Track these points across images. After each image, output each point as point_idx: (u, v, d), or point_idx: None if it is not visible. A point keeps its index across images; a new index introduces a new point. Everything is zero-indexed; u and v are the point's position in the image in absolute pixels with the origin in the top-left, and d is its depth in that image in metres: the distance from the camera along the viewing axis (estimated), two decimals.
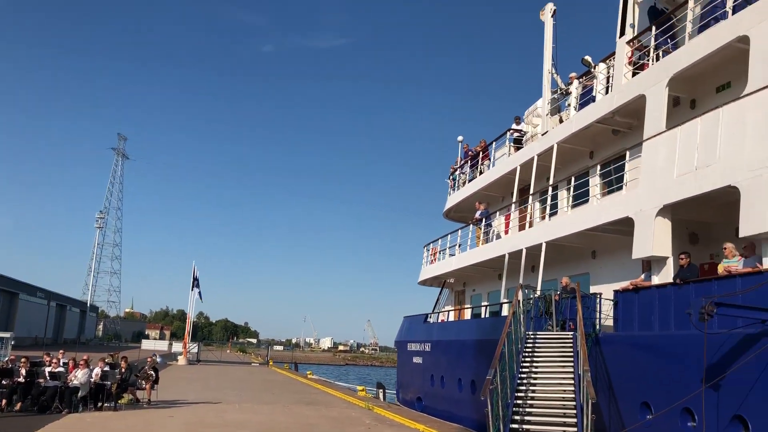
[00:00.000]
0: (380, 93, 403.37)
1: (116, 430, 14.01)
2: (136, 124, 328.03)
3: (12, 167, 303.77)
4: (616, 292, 14.26)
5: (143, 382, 19.44)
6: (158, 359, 20.89)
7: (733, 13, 13.09)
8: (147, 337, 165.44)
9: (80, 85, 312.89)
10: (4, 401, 16.65)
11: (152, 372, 19.71)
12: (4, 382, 16.78)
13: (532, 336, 14.52)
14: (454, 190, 28.66)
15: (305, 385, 33.86)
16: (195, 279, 56.10)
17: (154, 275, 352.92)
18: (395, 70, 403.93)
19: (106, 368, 18.13)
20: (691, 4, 14.70)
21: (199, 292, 56.29)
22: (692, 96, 15.48)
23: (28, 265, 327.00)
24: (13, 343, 54.30)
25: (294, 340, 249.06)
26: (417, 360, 25.86)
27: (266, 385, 31.44)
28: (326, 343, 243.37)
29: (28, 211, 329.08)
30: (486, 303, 24.53)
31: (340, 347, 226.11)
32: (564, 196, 18.53)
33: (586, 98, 18.72)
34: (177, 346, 69.47)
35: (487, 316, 22.41)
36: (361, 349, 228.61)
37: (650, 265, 14.27)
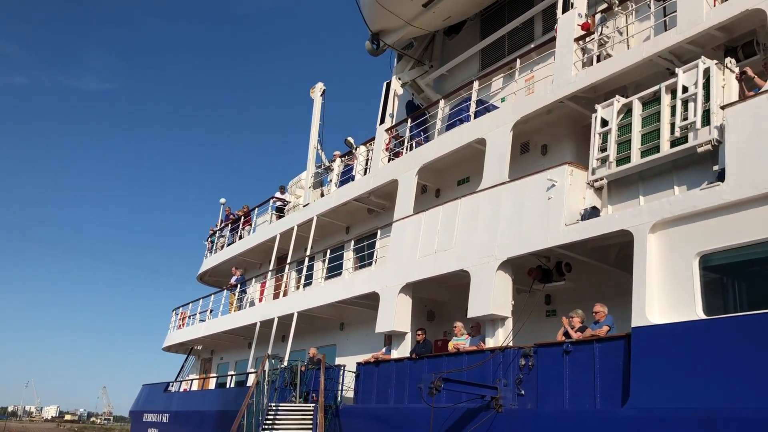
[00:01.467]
0: (141, 143, 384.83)
1: None
2: None
3: None
4: (358, 364, 14.70)
5: None
6: None
7: (475, 118, 14.82)
8: None
9: None
10: None
11: None
12: None
13: (274, 407, 14.28)
14: (211, 252, 27.85)
15: None
16: None
17: None
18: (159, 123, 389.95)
19: None
20: (441, 104, 16.37)
21: None
22: (437, 186, 17.03)
23: None
24: None
25: (10, 408, 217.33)
26: None
27: None
28: (51, 411, 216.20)
29: None
30: (232, 372, 23.77)
31: (67, 416, 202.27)
32: (319, 267, 18.95)
33: (347, 176, 19.64)
34: None
35: (233, 386, 21.68)
36: (91, 419, 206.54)
37: (391, 339, 15.01)
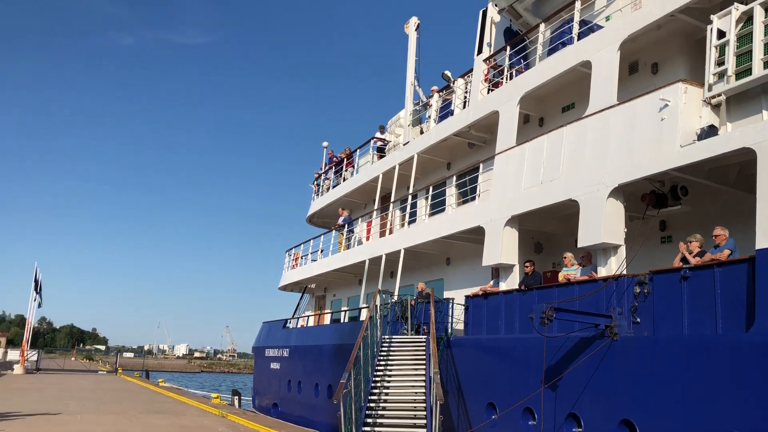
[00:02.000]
0: (246, 89, 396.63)
1: None
2: None
3: None
4: (467, 297, 14.89)
5: None
6: None
7: (578, 39, 14.16)
8: None
9: None
10: None
11: None
12: None
13: (387, 340, 14.80)
14: (318, 195, 28.68)
15: (156, 393, 32.31)
16: (37, 282, 51.97)
17: None
18: (266, 66, 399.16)
19: None
20: (542, 28, 15.72)
21: (40, 298, 52.25)
22: (541, 114, 16.55)
23: None
24: None
25: (146, 347, 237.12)
26: (274, 366, 25.53)
27: (113, 395, 29.65)
28: (181, 349, 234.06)
29: None
30: (345, 308, 24.72)
31: (196, 354, 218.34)
32: (422, 205, 19.10)
33: (446, 111, 19.45)
34: (13, 354, 63.83)
35: (347, 321, 22.59)
36: (218, 356, 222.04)
37: (498, 272, 15.05)
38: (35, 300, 52.98)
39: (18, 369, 49.81)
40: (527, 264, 13.75)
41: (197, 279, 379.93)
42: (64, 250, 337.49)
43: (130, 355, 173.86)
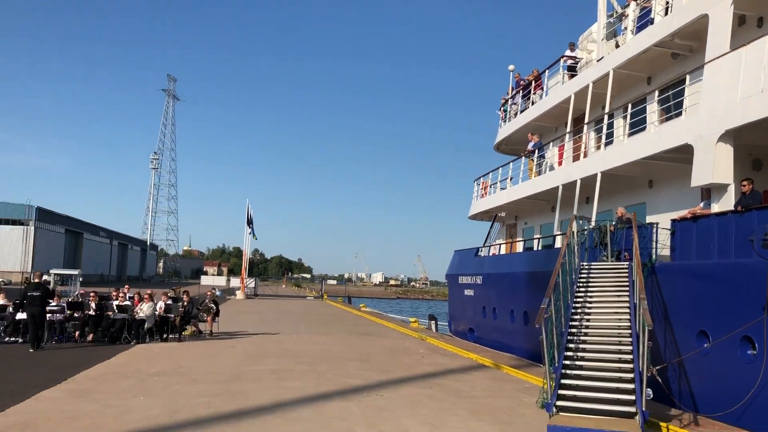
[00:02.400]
0: (430, 15, 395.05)
1: (182, 359, 14.70)
2: (185, 65, 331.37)
3: (70, 109, 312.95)
4: (673, 221, 13.93)
5: (205, 314, 20.24)
6: (218, 293, 21.64)
7: None
8: (205, 273, 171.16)
9: (129, 24, 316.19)
10: (77, 333, 17.64)
11: (213, 305, 20.47)
12: (76, 314, 17.72)
13: (586, 267, 14.40)
14: (505, 121, 28.13)
15: (359, 317, 34.65)
16: (249, 217, 57.33)
17: (210, 214, 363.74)
18: None
19: (169, 302, 18.90)
20: None
21: (252, 231, 57.62)
22: (760, 13, 14.60)
23: (88, 205, 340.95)
24: (81, 279, 57.20)
25: (346, 276, 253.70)
26: (468, 292, 26.07)
27: (321, 318, 32.32)
28: (377, 277, 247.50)
29: (86, 151, 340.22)
30: (538, 235, 24.36)
31: (391, 281, 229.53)
32: (620, 125, 17.96)
33: (644, 21, 17.86)
34: (234, 282, 71.78)
35: (540, 248, 22.30)
36: (411, 284, 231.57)
37: (710, 193, 13.86)
38: (249, 233, 58.51)
39: (239, 294, 55.96)
40: (744, 182, 12.46)
41: (390, 212, 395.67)
42: (271, 186, 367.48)
43: (333, 282, 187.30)
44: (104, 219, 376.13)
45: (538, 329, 9.92)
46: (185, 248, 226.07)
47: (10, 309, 17.79)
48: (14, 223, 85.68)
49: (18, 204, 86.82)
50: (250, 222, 57.07)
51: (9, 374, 11.82)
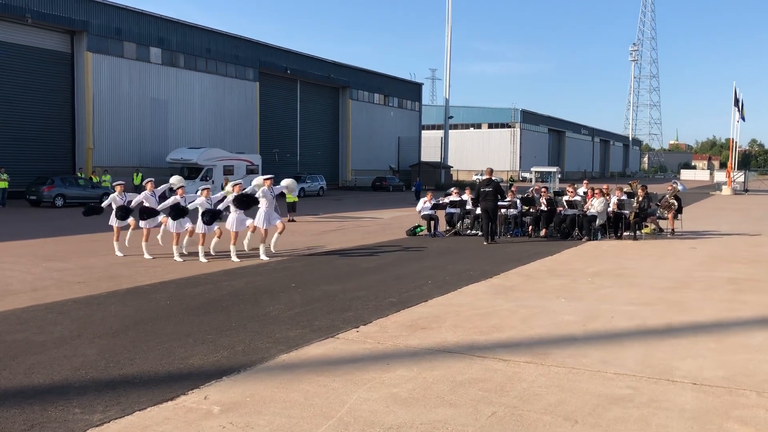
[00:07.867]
0: None
1: (627, 259, 13.39)
2: None
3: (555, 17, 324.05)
4: None
5: (664, 211, 18.23)
6: (680, 187, 19.18)
7: None
8: (693, 167, 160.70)
9: None
10: (530, 228, 17.88)
11: (674, 201, 18.26)
12: (531, 210, 17.94)
13: None
14: None
15: None
16: (736, 100, 50.24)
17: (697, 104, 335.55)
18: None
19: (623, 197, 17.51)
20: None
21: (741, 114, 50.39)
22: None
23: (570, 105, 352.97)
24: (560, 176, 59.24)
25: None
26: None
27: None
28: None
29: (565, 54, 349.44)
30: None
31: None
32: None
33: None
34: (720, 176, 64.84)
35: None
36: None
37: None
38: (737, 120, 51.62)
39: (725, 190, 50.23)
40: None
41: None
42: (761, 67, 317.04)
43: None
44: (585, 117, 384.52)
45: None
46: (671, 142, 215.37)
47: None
48: (503, 126, 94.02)
49: (506, 108, 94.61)
50: (738, 104, 49.91)
51: (462, 264, 12.48)
